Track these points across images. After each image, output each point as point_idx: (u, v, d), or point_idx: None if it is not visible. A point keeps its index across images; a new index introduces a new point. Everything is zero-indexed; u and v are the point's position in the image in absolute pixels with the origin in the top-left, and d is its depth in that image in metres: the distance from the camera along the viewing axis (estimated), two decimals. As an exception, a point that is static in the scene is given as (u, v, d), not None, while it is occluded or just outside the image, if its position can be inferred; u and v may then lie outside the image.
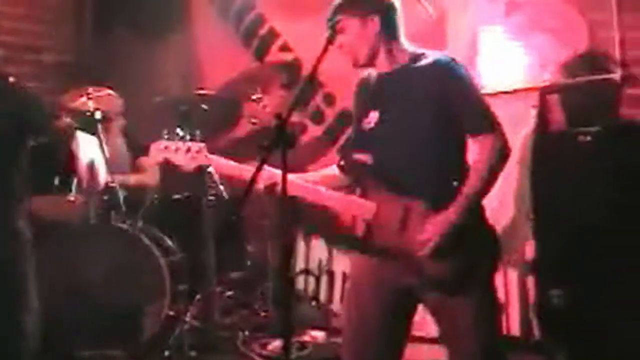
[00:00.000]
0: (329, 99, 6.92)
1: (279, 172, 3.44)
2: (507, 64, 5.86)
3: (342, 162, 3.92)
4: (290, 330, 3.46)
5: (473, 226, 3.59)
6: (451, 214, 3.54)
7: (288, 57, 7.13)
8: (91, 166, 5.88)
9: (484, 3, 6.00)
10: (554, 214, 5.02)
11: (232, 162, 3.85)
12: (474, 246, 3.59)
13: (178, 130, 4.62)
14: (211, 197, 5.92)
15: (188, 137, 3.99)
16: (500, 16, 5.93)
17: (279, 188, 3.54)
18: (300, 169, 6.44)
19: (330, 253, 6.77)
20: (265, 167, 3.48)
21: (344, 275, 6.68)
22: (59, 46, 7.96)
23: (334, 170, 3.97)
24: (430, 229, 3.55)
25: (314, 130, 6.95)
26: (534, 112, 5.57)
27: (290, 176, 3.57)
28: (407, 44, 3.80)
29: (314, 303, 6.75)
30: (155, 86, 7.17)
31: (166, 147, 3.84)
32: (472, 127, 3.63)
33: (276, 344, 5.75)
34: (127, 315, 5.55)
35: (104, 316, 5.53)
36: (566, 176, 4.93)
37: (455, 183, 3.59)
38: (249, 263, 6.66)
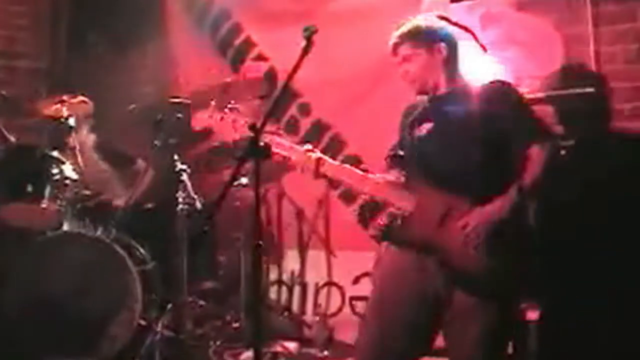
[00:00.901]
0: (304, 109, 6.92)
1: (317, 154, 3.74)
2: (482, 77, 5.87)
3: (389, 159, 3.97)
4: (261, 340, 3.45)
5: (514, 232, 3.61)
6: (494, 207, 3.60)
7: (263, 66, 7.13)
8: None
9: (459, 16, 6.01)
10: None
11: (283, 141, 3.93)
12: (511, 252, 3.60)
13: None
14: (184, 207, 5.89)
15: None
16: (476, 28, 5.94)
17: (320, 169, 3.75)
18: (276, 178, 6.51)
19: (303, 264, 6.77)
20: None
21: (317, 286, 6.69)
22: (33, 53, 7.93)
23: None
24: (474, 216, 3.59)
25: (289, 140, 6.93)
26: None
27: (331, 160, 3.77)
28: (462, 75, 3.95)
29: (286, 314, 6.75)
30: (130, 94, 7.15)
31: (211, 116, 3.91)
32: (524, 136, 3.72)
33: (248, 354, 5.72)
34: (98, 324, 5.51)
35: (74, 325, 5.48)
36: (540, 189, 4.94)
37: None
38: (221, 273, 6.65)
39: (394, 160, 3.95)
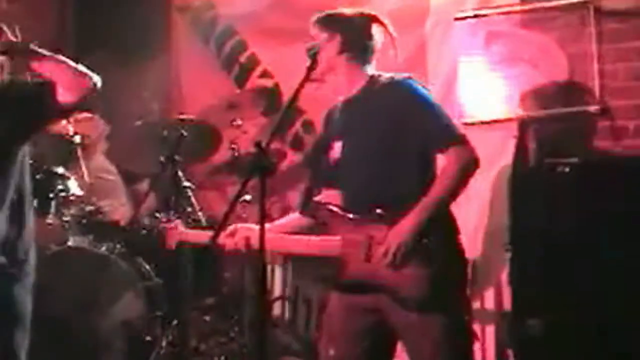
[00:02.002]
0: (308, 126, 6.93)
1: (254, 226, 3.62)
2: (486, 95, 5.89)
3: (302, 206, 3.98)
4: (266, 357, 3.46)
5: (439, 241, 3.59)
6: (409, 220, 3.55)
7: (268, 83, 7.14)
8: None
9: (464, 33, 6.03)
10: (531, 245, 5.03)
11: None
12: (440, 261, 3.57)
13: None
14: (189, 222, 5.90)
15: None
16: (480, 47, 5.96)
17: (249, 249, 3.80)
18: (280, 194, 6.53)
19: (307, 280, 6.76)
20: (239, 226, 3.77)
21: (321, 302, 6.69)
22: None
23: (296, 216, 4.03)
24: (389, 239, 3.56)
25: (293, 157, 6.96)
26: (513, 143, 5.60)
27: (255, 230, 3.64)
28: (368, 69, 3.86)
29: (290, 330, 6.74)
30: (136, 111, 7.16)
31: None
32: (438, 143, 3.66)
33: (252, 370, 5.73)
34: (102, 340, 5.52)
35: (78, 340, 5.49)
36: (544, 207, 4.95)
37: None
38: (225, 289, 6.64)
39: (306, 212, 3.97)
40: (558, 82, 5.67)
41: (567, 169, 4.94)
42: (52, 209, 5.76)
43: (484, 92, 5.85)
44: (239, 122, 6.26)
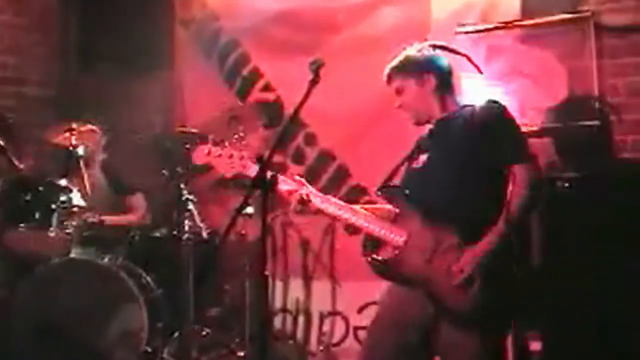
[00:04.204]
0: (310, 139, 6.95)
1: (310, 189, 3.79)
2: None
3: (381, 187, 3.98)
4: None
5: (503, 266, 3.62)
6: (484, 245, 3.61)
7: (270, 97, 7.17)
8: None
9: (465, 47, 6.04)
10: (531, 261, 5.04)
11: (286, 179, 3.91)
12: (500, 287, 3.62)
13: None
14: (190, 235, 5.93)
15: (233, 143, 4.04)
16: (480, 62, 5.97)
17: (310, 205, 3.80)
18: (282, 208, 6.54)
19: (307, 293, 6.78)
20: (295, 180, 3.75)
21: (321, 314, 6.70)
22: (43, 80, 7.97)
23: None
24: (465, 259, 3.61)
25: (295, 170, 6.97)
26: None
27: (328, 197, 3.83)
28: (460, 99, 4.00)
29: (290, 342, 6.76)
30: (138, 123, 7.18)
31: (209, 152, 3.92)
32: (508, 157, 3.72)
33: (253, 382, 5.75)
34: (104, 351, 5.54)
35: (80, 352, 5.51)
36: (544, 221, 4.96)
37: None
38: (226, 301, 6.66)
39: (384, 191, 3.99)
40: (558, 97, 5.69)
41: (567, 184, 4.96)
42: (55, 221, 5.78)
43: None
44: (241, 134, 6.28)
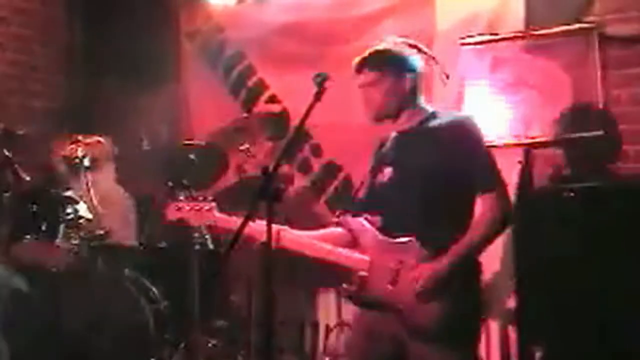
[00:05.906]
0: (316, 150, 6.96)
1: (276, 226, 3.71)
2: (491, 120, 5.91)
3: (340, 218, 4.01)
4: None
5: (464, 281, 3.66)
6: (443, 260, 3.63)
7: (276, 108, 7.18)
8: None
9: (470, 58, 6.05)
10: (536, 272, 5.04)
11: (235, 218, 3.98)
12: (460, 299, 3.65)
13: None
14: (197, 247, 5.93)
15: (201, 197, 4.17)
16: (485, 72, 5.98)
17: (276, 242, 3.76)
18: (288, 218, 6.54)
19: (314, 304, 6.78)
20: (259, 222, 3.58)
21: (327, 326, 6.70)
22: (49, 92, 8.00)
23: (335, 230, 4.05)
24: (420, 273, 3.63)
25: (301, 180, 6.99)
26: (518, 168, 5.61)
27: (290, 231, 3.80)
28: (424, 104, 3.96)
29: (297, 354, 6.75)
30: (144, 135, 7.19)
31: (179, 208, 4.09)
32: (480, 184, 3.73)
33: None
34: (110, 362, 5.56)
35: (87, 362, 5.53)
36: (549, 233, 4.96)
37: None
38: (233, 313, 6.66)
39: (356, 205, 4.01)
40: (563, 108, 5.69)
41: (572, 194, 4.96)
42: (61, 232, 5.80)
43: (489, 117, 5.85)
44: (247, 146, 6.28)
